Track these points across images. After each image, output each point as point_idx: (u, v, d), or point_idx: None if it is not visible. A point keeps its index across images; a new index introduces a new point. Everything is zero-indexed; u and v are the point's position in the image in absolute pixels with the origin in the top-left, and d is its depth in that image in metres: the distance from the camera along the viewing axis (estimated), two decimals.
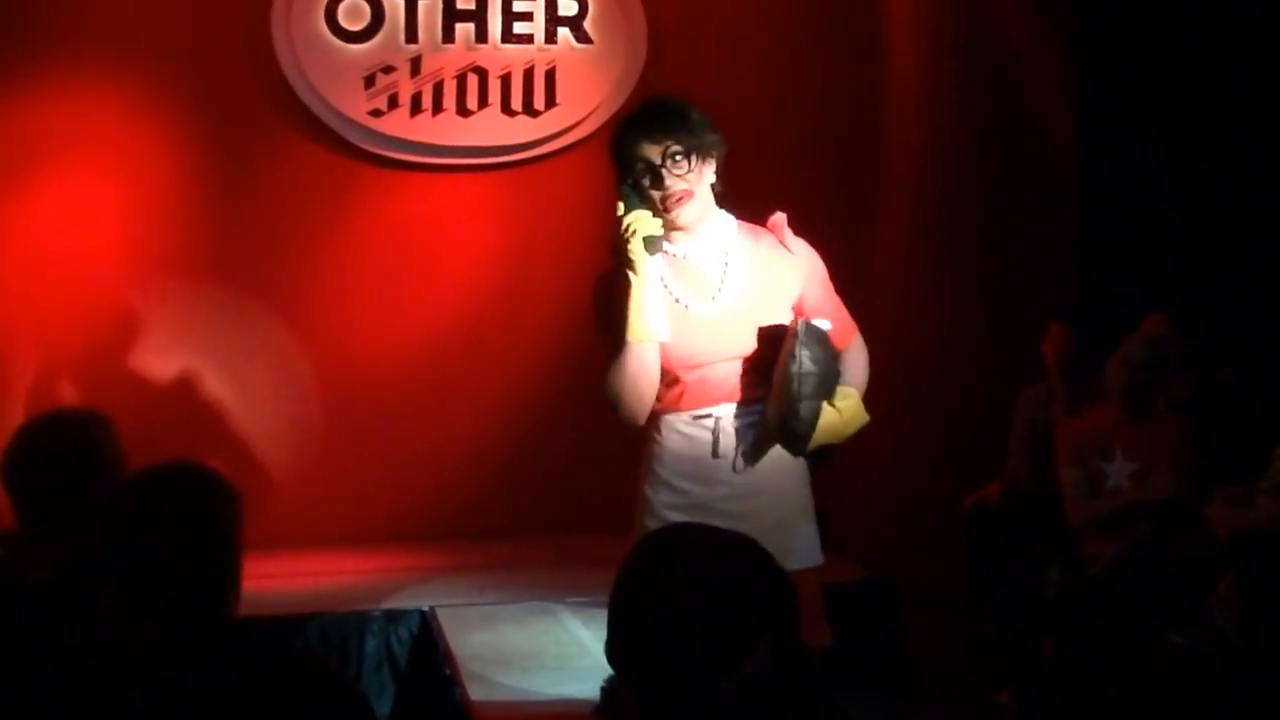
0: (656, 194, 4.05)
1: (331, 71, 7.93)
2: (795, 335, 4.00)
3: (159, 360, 7.83)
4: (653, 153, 4.03)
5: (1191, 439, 6.18)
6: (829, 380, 4.05)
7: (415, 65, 8.01)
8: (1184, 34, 7.61)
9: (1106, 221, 8.03)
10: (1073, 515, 6.30)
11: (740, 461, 4.15)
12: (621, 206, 4.03)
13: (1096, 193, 8.12)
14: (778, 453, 4.17)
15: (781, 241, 4.22)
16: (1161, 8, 7.74)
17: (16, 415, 6.49)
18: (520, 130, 8.11)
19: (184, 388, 7.84)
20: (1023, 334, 7.41)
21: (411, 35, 8.00)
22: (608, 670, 4.85)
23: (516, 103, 8.09)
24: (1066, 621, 5.83)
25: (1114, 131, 7.94)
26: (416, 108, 8.00)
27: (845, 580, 6.62)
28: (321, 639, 6.25)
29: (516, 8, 8.11)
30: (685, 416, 4.17)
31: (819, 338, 4.04)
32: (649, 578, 2.23)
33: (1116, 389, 6.27)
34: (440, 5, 8.02)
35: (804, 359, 3.98)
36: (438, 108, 8.02)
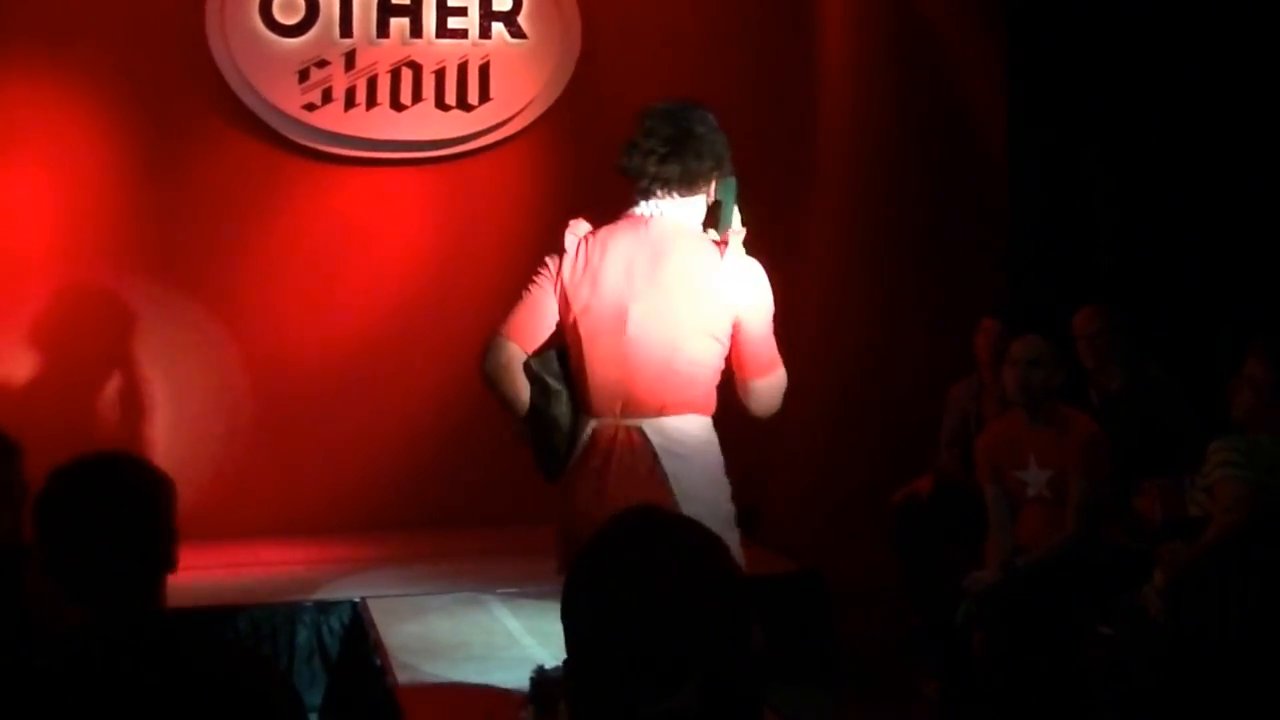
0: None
1: (265, 65, 7.93)
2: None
3: (90, 352, 7.82)
4: None
5: (1101, 440, 6.02)
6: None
7: (349, 59, 8.01)
8: (1118, 29, 7.63)
9: (1038, 216, 8.04)
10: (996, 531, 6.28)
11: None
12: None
13: (1028, 187, 8.11)
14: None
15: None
16: (1095, 3, 7.77)
17: None
18: (454, 125, 8.12)
19: (115, 380, 7.82)
20: (954, 328, 7.46)
21: (346, 29, 8.01)
22: (536, 660, 4.85)
23: (450, 97, 8.10)
24: (995, 613, 5.85)
25: (1046, 126, 7.95)
26: (350, 102, 8.01)
27: (773, 572, 6.72)
28: (253, 629, 6.28)
29: (451, 2, 8.14)
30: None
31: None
32: (600, 575, 2.07)
33: (1012, 392, 6.16)
34: (375, 0, 8.04)
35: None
36: (372, 102, 8.03)
